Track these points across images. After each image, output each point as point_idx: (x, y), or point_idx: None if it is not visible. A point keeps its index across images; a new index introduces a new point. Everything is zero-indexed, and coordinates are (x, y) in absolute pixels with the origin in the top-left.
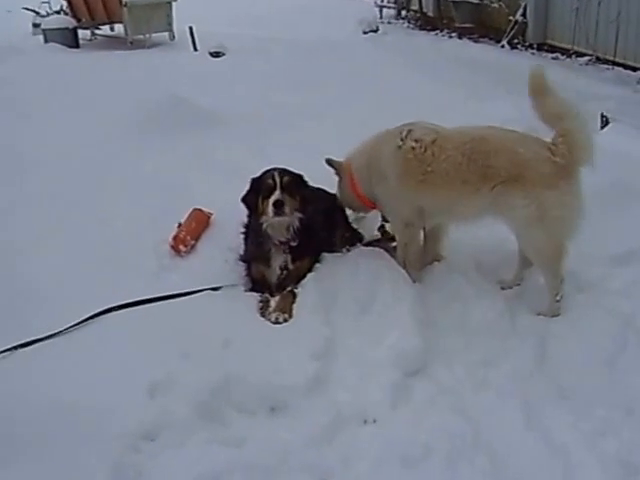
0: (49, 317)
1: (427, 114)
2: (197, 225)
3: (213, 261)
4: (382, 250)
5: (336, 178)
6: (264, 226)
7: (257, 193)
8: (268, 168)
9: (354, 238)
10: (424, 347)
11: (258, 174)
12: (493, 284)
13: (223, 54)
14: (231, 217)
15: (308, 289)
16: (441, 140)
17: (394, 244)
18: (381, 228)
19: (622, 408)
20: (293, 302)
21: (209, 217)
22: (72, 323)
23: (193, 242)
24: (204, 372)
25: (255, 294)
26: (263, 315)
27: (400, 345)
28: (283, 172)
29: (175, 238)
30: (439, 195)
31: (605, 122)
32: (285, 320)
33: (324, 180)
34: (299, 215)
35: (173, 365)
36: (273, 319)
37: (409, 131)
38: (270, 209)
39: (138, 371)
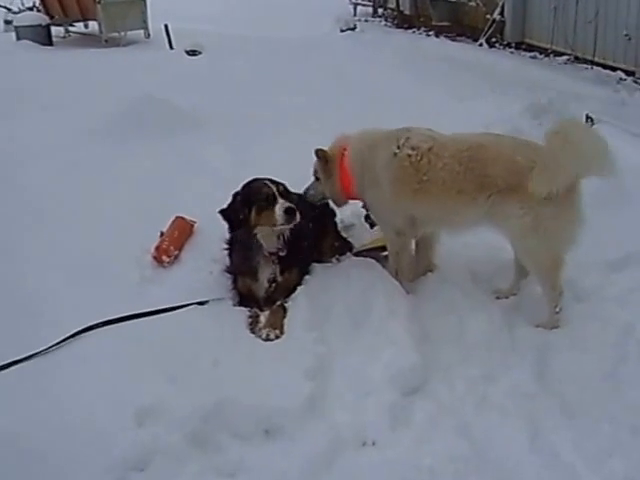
0: (27, 334)
1: (411, 115)
2: (180, 234)
3: (198, 272)
4: (373, 260)
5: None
6: (258, 237)
7: (248, 204)
8: (252, 179)
9: (344, 247)
10: (422, 364)
11: (242, 186)
12: (489, 294)
13: (200, 52)
14: (215, 225)
15: (299, 303)
16: (438, 148)
17: (385, 253)
18: (368, 218)
19: (627, 425)
20: (284, 317)
21: (192, 225)
22: (53, 342)
23: (176, 252)
24: (194, 396)
25: (244, 309)
26: (253, 331)
27: (397, 363)
28: (272, 181)
29: (158, 248)
30: (434, 204)
31: (590, 123)
32: (276, 337)
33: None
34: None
35: (161, 389)
36: (264, 336)
37: (407, 138)
38: (281, 216)
39: (124, 396)
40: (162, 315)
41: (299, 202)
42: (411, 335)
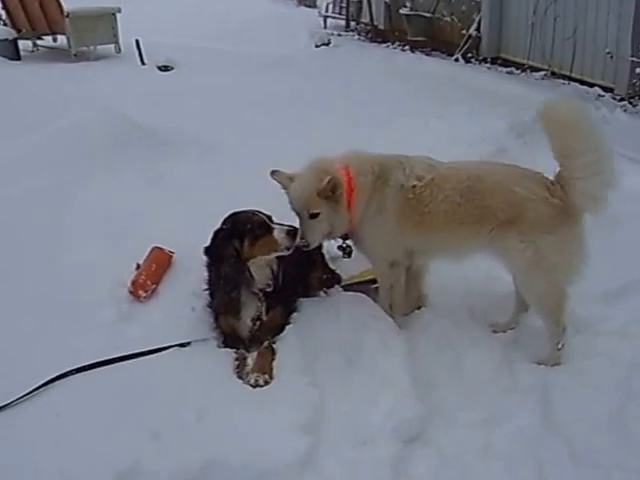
0: None
1: (392, 134)
2: (158, 267)
3: (178, 308)
4: (364, 295)
5: None
6: (252, 270)
7: (239, 236)
8: (234, 212)
9: (332, 279)
10: (421, 410)
11: (225, 220)
12: (486, 329)
13: (172, 68)
14: (195, 255)
15: (288, 344)
16: (439, 179)
17: (375, 286)
18: (345, 248)
19: (637, 471)
20: (273, 360)
21: (171, 256)
22: (22, 393)
23: (154, 286)
24: (178, 455)
25: (229, 350)
26: (240, 376)
27: (395, 410)
28: (257, 211)
29: (134, 283)
30: (435, 237)
31: None
32: (266, 382)
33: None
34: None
35: (142, 447)
36: (252, 382)
37: (411, 167)
38: (284, 239)
39: (101, 456)
40: (141, 359)
41: None
42: (408, 376)
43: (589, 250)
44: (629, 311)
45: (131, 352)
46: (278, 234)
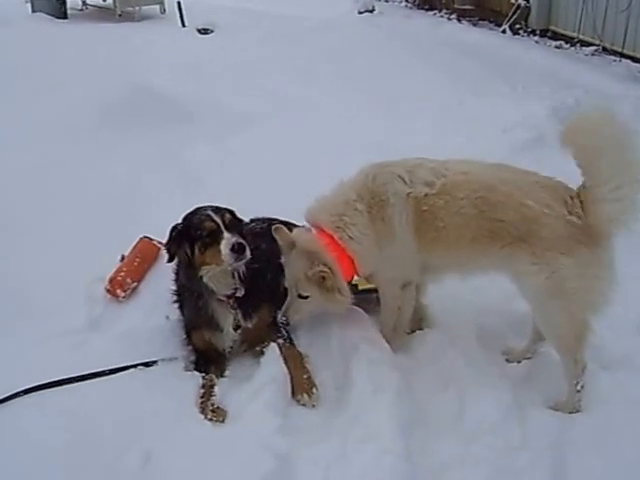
0: None
1: (424, 114)
2: (142, 262)
3: (154, 315)
4: (361, 310)
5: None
6: (205, 280)
7: (190, 241)
8: (194, 208)
9: None
10: (407, 469)
11: (184, 218)
12: (498, 357)
13: (211, 31)
14: None
15: (265, 371)
16: (450, 186)
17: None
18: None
19: None
20: None
21: (159, 249)
22: None
23: (135, 284)
24: None
25: (197, 374)
26: (203, 410)
27: (376, 470)
28: (217, 209)
29: (112, 281)
30: (446, 254)
31: None
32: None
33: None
34: None
35: None
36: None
37: (411, 173)
38: (228, 255)
39: None
40: (99, 380)
41: (262, 230)
42: (396, 425)
43: (617, 274)
44: None
45: (88, 372)
46: (224, 248)
